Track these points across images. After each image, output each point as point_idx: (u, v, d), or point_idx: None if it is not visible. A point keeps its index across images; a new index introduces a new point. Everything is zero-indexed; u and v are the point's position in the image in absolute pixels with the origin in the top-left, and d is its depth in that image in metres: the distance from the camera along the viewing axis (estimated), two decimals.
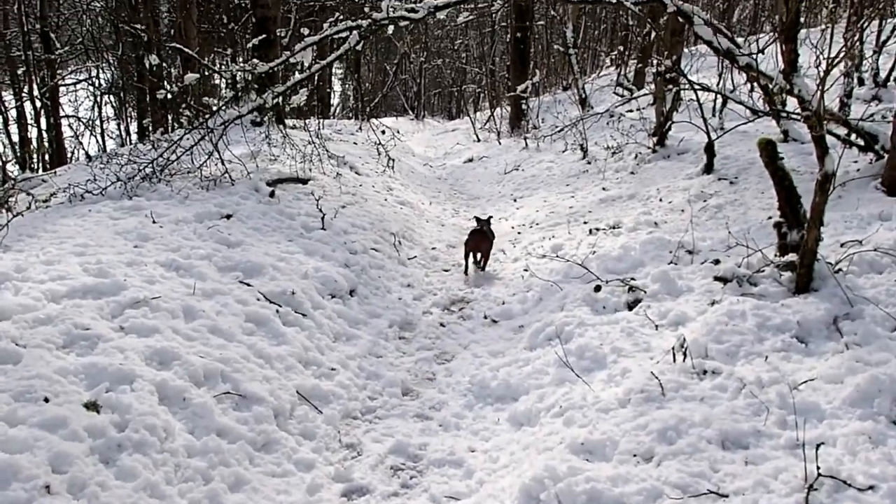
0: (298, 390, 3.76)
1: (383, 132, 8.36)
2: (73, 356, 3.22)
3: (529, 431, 3.56)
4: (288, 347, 4.04)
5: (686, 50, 11.94)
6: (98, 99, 19.58)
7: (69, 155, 17.56)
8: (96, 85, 19.74)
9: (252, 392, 3.48)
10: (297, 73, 7.23)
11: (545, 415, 3.62)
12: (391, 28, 7.10)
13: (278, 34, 9.77)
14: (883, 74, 8.99)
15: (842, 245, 4.49)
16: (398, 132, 12.18)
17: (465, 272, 6.28)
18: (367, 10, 9.91)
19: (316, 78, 7.48)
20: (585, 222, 7.14)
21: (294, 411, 3.62)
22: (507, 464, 3.33)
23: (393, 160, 8.56)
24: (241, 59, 13.70)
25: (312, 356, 4.15)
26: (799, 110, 5.25)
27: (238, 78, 7.07)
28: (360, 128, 12.47)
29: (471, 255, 6.28)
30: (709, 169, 7.58)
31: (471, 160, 13.69)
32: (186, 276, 4.33)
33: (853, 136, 6.43)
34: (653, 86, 10.50)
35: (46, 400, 2.87)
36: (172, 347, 3.46)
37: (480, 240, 6.21)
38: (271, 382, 3.66)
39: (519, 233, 7.67)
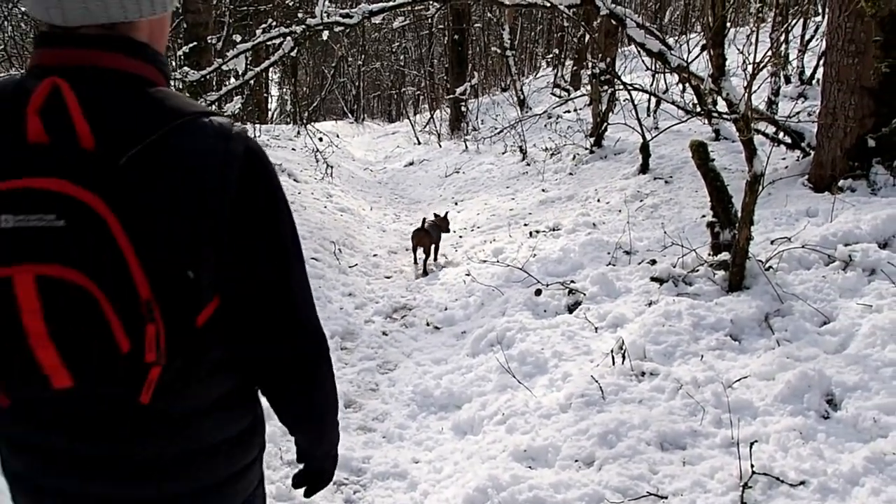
0: None
1: (321, 139, 8.26)
2: None
3: (473, 440, 3.56)
4: None
5: (620, 51, 12.15)
6: None
7: None
8: None
9: None
10: (231, 79, 7.10)
11: (488, 422, 3.62)
12: (326, 33, 7.03)
13: (210, 41, 9.58)
14: (808, 73, 9.30)
15: (772, 242, 4.63)
16: (337, 136, 12.09)
17: (414, 262, 6.67)
18: (301, 15, 9.80)
19: (252, 84, 7.36)
20: (526, 224, 7.20)
21: None
22: (451, 474, 3.32)
23: (331, 167, 8.49)
24: (171, 66, 13.40)
25: None
26: (726, 107, 5.40)
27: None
28: (298, 133, 12.33)
29: (418, 249, 6.60)
30: (644, 169, 7.73)
31: (411, 163, 13.68)
32: None
33: (781, 135, 6.64)
34: (589, 87, 10.66)
35: None
36: None
37: (422, 236, 6.48)
38: None
39: (460, 237, 7.68)
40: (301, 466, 1.48)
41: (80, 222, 0.95)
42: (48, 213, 0.95)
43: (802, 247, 4.28)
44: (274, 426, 3.61)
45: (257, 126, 10.41)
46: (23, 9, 17.47)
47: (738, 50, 4.46)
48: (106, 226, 0.96)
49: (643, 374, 3.57)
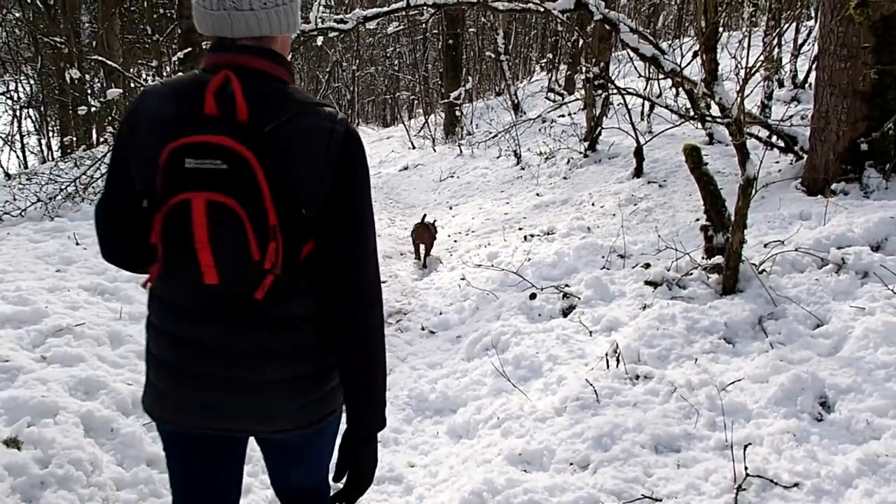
0: None
1: None
2: None
3: (468, 444, 3.56)
4: None
5: (614, 55, 12.19)
6: (17, 113, 18.88)
7: None
8: (15, 99, 19.03)
9: None
10: None
11: (483, 426, 3.63)
12: (321, 39, 7.05)
13: (205, 46, 9.58)
14: (801, 76, 9.35)
15: (765, 245, 4.64)
16: None
17: (416, 256, 7.17)
18: None
19: None
20: (520, 228, 7.21)
21: None
22: (446, 478, 3.32)
23: None
24: (167, 72, 13.39)
25: None
26: (719, 112, 5.43)
27: None
28: None
29: (420, 245, 7.04)
30: (638, 173, 7.75)
31: (406, 168, 13.68)
32: (112, 300, 4.19)
33: (774, 138, 6.67)
34: (583, 91, 10.69)
35: None
36: (98, 376, 3.34)
37: (422, 231, 6.94)
38: None
39: (455, 241, 7.69)
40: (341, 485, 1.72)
41: (237, 167, 1.41)
42: (216, 160, 1.41)
43: (796, 250, 4.30)
44: None
45: None
46: (17, 14, 17.45)
47: (731, 55, 4.49)
48: (253, 172, 1.42)
49: (637, 377, 3.58)
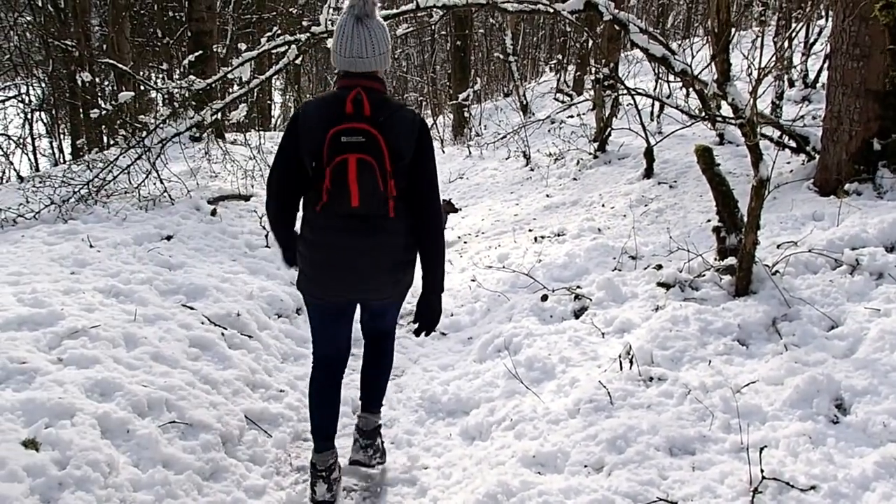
0: (247, 414, 3.69)
1: None
2: (10, 392, 3.10)
3: (481, 446, 3.56)
4: (234, 371, 3.96)
5: (623, 55, 12.18)
6: (28, 116, 18.99)
7: (0, 174, 16.98)
8: (26, 101, 19.14)
9: (198, 419, 3.41)
10: (235, 86, 7.13)
11: (496, 428, 3.63)
12: (330, 41, 7.06)
13: (216, 49, 9.63)
14: (812, 76, 9.31)
15: (778, 246, 4.62)
16: None
17: None
18: (305, 23, 9.83)
19: (255, 91, 7.39)
20: (530, 230, 7.21)
21: (243, 436, 3.55)
22: (460, 480, 3.32)
23: None
24: (177, 74, 13.45)
25: (260, 378, 4.08)
26: (732, 112, 5.41)
27: (175, 95, 6.94)
28: None
29: None
30: (649, 173, 7.74)
31: None
32: (127, 302, 4.21)
33: (785, 139, 6.64)
34: (592, 92, 10.68)
35: None
36: (114, 378, 3.36)
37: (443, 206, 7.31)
38: (218, 408, 3.58)
39: (465, 242, 7.69)
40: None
41: (370, 140, 2.61)
42: (359, 136, 2.61)
43: (809, 251, 4.28)
44: (282, 433, 3.63)
45: (261, 133, 10.42)
46: (28, 18, 17.55)
47: (743, 55, 4.47)
48: (378, 142, 2.62)
49: (651, 379, 3.58)
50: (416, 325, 3.10)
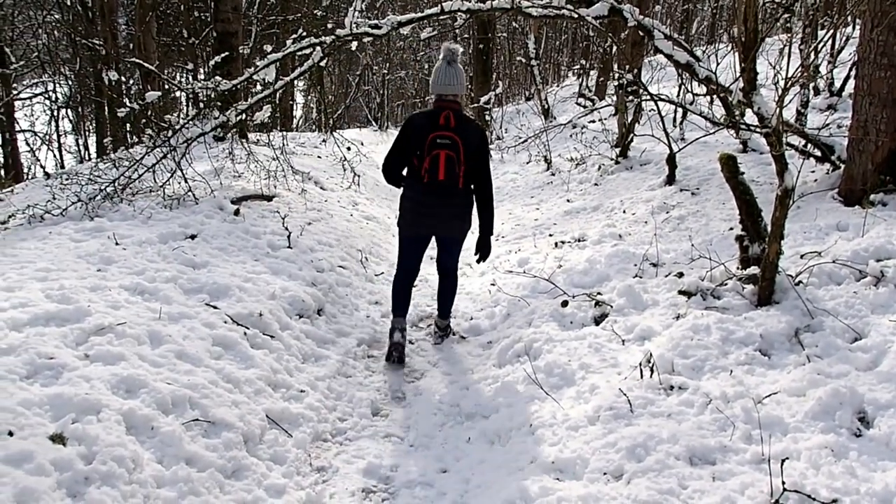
0: (268, 414, 3.73)
1: (349, 149, 8.33)
2: (38, 387, 3.15)
3: (500, 450, 3.57)
4: (256, 371, 4.00)
5: (646, 61, 12.14)
6: (55, 113, 19.24)
7: (26, 170, 17.23)
8: (53, 99, 19.40)
9: (221, 418, 3.44)
10: (259, 86, 7.19)
11: (516, 433, 3.63)
12: (355, 44, 7.10)
13: (242, 50, 9.71)
14: (837, 84, 9.24)
15: (801, 256, 4.59)
16: (362, 144, 12.16)
17: None
18: (329, 25, 9.88)
19: (279, 93, 7.44)
20: (551, 235, 7.21)
21: (264, 436, 3.59)
22: (479, 484, 3.34)
23: (359, 176, 8.55)
24: (202, 74, 13.57)
25: (281, 378, 4.12)
26: (757, 121, 5.38)
27: (200, 95, 7.01)
28: (324, 141, 12.43)
29: None
30: (671, 180, 7.71)
31: None
32: (152, 300, 4.26)
33: (810, 147, 6.60)
34: (614, 97, 10.64)
35: (11, 434, 2.80)
36: (139, 375, 3.41)
37: None
38: (240, 407, 3.62)
39: None
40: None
41: (453, 142, 4.53)
42: (447, 140, 4.52)
43: (833, 262, 4.25)
44: (303, 433, 3.65)
45: (283, 133, 10.49)
46: (56, 16, 17.80)
47: (771, 65, 4.45)
48: (458, 144, 4.53)
49: (672, 387, 3.57)
50: (476, 256, 5.07)
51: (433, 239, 5.00)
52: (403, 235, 4.95)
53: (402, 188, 4.84)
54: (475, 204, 4.82)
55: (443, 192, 4.61)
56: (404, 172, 4.82)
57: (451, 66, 4.60)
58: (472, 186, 4.76)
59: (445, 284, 5.14)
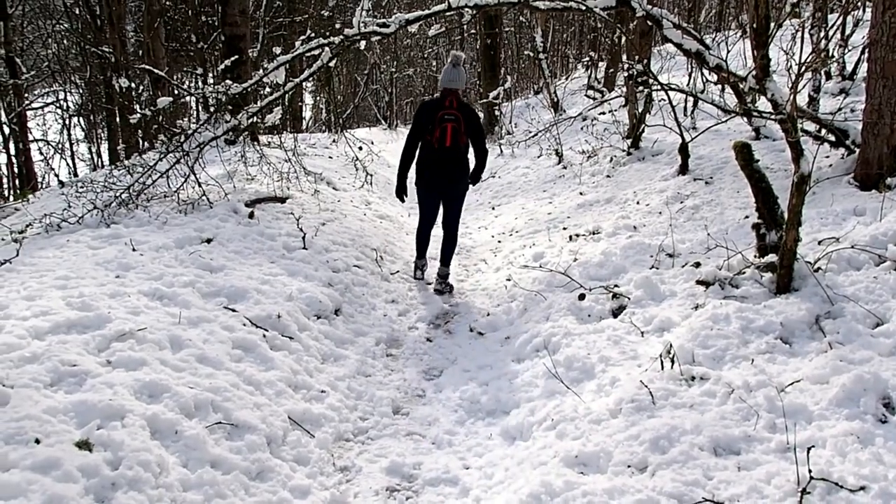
0: (290, 415, 3.74)
1: (360, 148, 8.34)
2: (62, 394, 3.18)
3: (523, 446, 3.57)
4: (277, 372, 4.02)
5: (655, 50, 12.07)
6: (67, 122, 19.38)
7: (40, 179, 17.36)
8: (64, 108, 19.54)
9: (244, 420, 3.46)
10: (268, 88, 7.20)
11: (537, 428, 3.63)
12: (363, 43, 7.10)
13: (251, 53, 9.73)
14: (849, 68, 9.15)
15: (819, 243, 4.57)
16: (372, 143, 12.17)
17: None
18: (337, 25, 9.87)
19: (288, 94, 7.45)
20: (565, 228, 7.19)
21: (287, 437, 3.60)
22: (502, 479, 3.34)
23: (371, 175, 8.56)
24: (211, 78, 13.61)
25: (302, 379, 4.13)
26: (770, 108, 5.34)
27: (211, 100, 7.04)
28: (335, 141, 12.45)
29: None
30: (684, 170, 7.67)
31: None
32: (171, 305, 4.29)
33: (824, 132, 6.55)
34: (624, 88, 10.59)
35: (38, 441, 2.83)
36: (161, 380, 3.43)
37: None
38: (262, 409, 3.64)
39: (499, 241, 7.70)
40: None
41: (456, 118, 5.93)
42: (452, 116, 5.92)
43: (852, 247, 4.22)
44: (325, 433, 3.66)
45: (294, 135, 10.51)
46: (65, 25, 17.91)
47: (784, 50, 4.42)
48: (459, 119, 5.95)
49: (693, 378, 3.55)
50: (471, 183, 6.41)
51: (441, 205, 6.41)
52: (421, 192, 6.26)
53: (411, 168, 6.21)
54: (473, 161, 6.27)
55: (450, 155, 5.98)
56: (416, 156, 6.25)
57: (456, 68, 5.98)
58: (472, 151, 6.22)
59: (448, 239, 6.37)
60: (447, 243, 6.35)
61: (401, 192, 6.24)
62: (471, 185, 6.41)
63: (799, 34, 6.69)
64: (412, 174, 6.23)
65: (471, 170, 6.27)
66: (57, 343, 3.52)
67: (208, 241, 5.56)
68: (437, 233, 6.54)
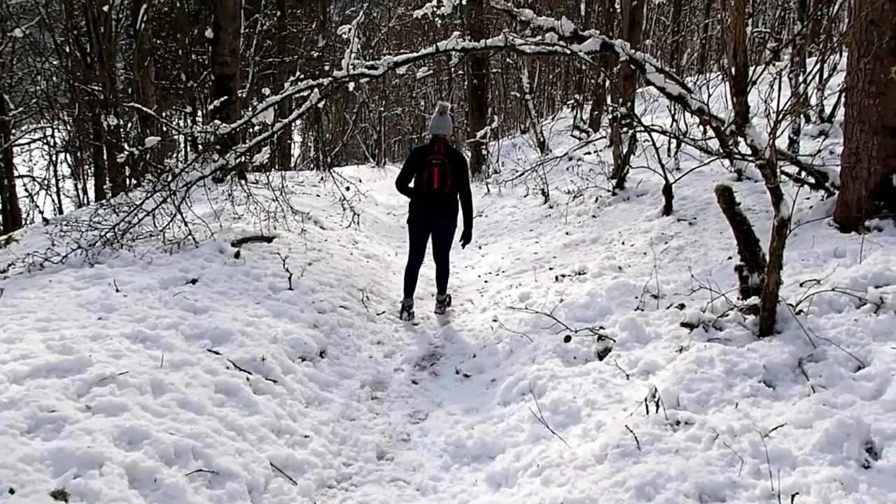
0: (272, 461, 3.70)
1: (347, 188, 8.39)
2: (39, 441, 3.13)
3: (508, 493, 3.54)
4: (260, 417, 3.98)
5: (639, 91, 12.25)
6: (53, 158, 19.36)
7: (24, 216, 17.27)
8: (51, 144, 19.53)
9: (225, 467, 3.42)
10: (257, 127, 7.25)
11: (523, 474, 3.60)
12: (352, 84, 7.18)
13: (240, 94, 9.80)
14: (828, 110, 9.31)
15: (801, 285, 4.60)
16: (360, 181, 12.24)
17: None
18: (326, 67, 9.98)
19: (277, 133, 7.50)
20: (551, 268, 7.21)
21: (268, 484, 3.56)
22: None
23: (358, 215, 8.59)
24: (200, 116, 13.67)
25: (285, 424, 4.09)
26: (751, 152, 5.42)
27: (200, 139, 7.07)
28: (323, 179, 12.50)
29: None
30: (668, 210, 7.74)
31: None
32: (153, 348, 4.26)
33: (804, 175, 6.64)
34: (609, 129, 10.73)
35: (12, 491, 2.78)
36: (141, 426, 3.39)
37: None
38: (244, 455, 3.59)
39: (486, 281, 7.71)
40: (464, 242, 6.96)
41: (443, 162, 6.39)
42: (439, 160, 6.39)
43: (832, 289, 4.26)
44: (307, 480, 3.59)
45: (282, 173, 10.55)
46: (55, 62, 18.00)
47: (762, 99, 4.50)
48: (446, 163, 6.40)
49: (678, 422, 3.55)
50: (461, 242, 6.82)
51: (430, 241, 6.83)
52: (413, 231, 6.74)
53: (409, 197, 6.70)
54: (459, 205, 6.65)
55: (437, 196, 6.46)
56: (411, 185, 6.63)
57: (443, 116, 6.50)
58: (458, 194, 6.59)
59: (441, 270, 6.85)
60: (441, 273, 6.84)
61: (405, 189, 6.74)
62: (460, 243, 6.85)
63: (776, 81, 6.83)
64: (405, 213, 7.15)
65: (458, 210, 6.65)
66: (36, 388, 3.48)
67: (193, 281, 5.54)
68: (424, 272, 6.94)
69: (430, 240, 6.75)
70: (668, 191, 7.72)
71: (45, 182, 19.06)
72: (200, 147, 7.27)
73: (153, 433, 3.37)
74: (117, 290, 5.05)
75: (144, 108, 10.41)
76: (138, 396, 3.66)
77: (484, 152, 15.86)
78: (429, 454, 4.14)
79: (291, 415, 4.23)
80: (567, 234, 8.57)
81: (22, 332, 4.12)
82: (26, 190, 18.28)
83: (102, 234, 6.20)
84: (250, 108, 7.02)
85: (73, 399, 3.51)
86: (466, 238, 6.81)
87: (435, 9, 6.94)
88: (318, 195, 11.21)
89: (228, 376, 4.20)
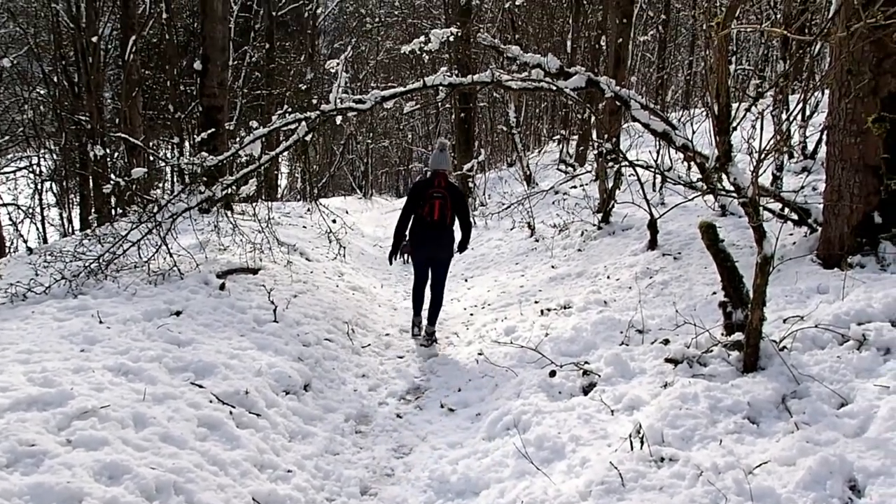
0: (254, 497, 3.65)
1: (334, 221, 8.41)
2: (18, 476, 3.09)
3: None
4: (242, 451, 3.94)
5: (625, 126, 12.42)
6: (39, 186, 19.29)
7: (8, 244, 17.14)
8: (37, 172, 19.46)
9: (206, 503, 3.38)
10: (244, 158, 7.27)
11: None
12: (339, 117, 7.23)
13: (228, 127, 9.84)
14: (810, 147, 9.47)
15: (784, 321, 4.64)
16: (346, 212, 12.26)
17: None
18: (314, 100, 10.06)
19: (264, 165, 7.53)
20: (536, 302, 7.23)
21: None
22: None
23: (344, 248, 8.59)
24: (187, 147, 13.70)
25: (268, 458, 4.05)
26: (734, 188, 5.49)
27: (186, 171, 7.08)
28: (309, 210, 12.52)
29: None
30: (653, 245, 7.80)
31: None
32: (136, 381, 4.22)
33: (787, 211, 6.73)
34: (594, 164, 10.84)
35: None
36: (123, 460, 3.35)
37: None
38: (226, 490, 3.55)
39: (471, 314, 7.71)
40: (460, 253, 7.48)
41: (443, 195, 6.82)
42: (440, 193, 6.81)
43: (816, 326, 4.30)
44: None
45: (269, 204, 10.56)
46: (42, 92, 18.02)
47: (745, 139, 4.57)
48: (446, 196, 6.83)
49: (662, 459, 3.54)
50: (458, 249, 7.21)
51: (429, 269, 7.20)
52: (415, 258, 7.15)
53: (403, 239, 7.02)
54: (459, 232, 7.09)
55: (437, 227, 6.82)
56: (410, 224, 7.08)
57: (442, 152, 6.94)
58: (457, 224, 7.02)
59: (434, 301, 7.12)
60: (433, 305, 7.11)
61: (392, 256, 7.07)
62: (457, 253, 7.28)
63: (758, 121, 6.95)
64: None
65: (457, 240, 7.15)
66: (16, 421, 3.43)
67: (177, 313, 5.51)
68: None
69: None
70: (653, 225, 7.79)
71: (30, 210, 18.96)
72: (187, 178, 7.28)
73: (134, 468, 3.33)
74: (100, 322, 5.02)
75: (131, 139, 10.44)
76: (120, 430, 3.62)
77: (471, 185, 15.95)
78: (413, 489, 4.11)
79: (275, 449, 4.19)
80: (553, 267, 8.61)
81: (3, 364, 4.07)
82: (10, 219, 18.16)
83: (87, 264, 6.16)
84: (238, 140, 7.06)
85: (54, 433, 3.47)
86: (462, 247, 7.29)
87: (422, 45, 7.04)
88: (304, 227, 11.22)
89: (211, 410, 4.16)
